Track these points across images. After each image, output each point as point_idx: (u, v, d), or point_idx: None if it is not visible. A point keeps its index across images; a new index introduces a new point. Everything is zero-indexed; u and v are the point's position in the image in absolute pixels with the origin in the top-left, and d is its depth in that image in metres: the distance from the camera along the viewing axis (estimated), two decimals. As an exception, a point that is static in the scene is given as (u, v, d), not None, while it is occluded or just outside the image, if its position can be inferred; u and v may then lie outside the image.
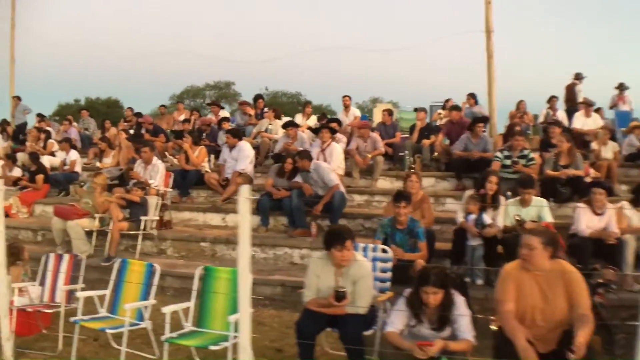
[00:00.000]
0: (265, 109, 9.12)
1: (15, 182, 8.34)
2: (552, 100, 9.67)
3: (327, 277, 3.51)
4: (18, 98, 12.18)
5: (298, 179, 6.40)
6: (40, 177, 8.28)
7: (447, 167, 7.92)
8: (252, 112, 9.03)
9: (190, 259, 6.27)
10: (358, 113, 9.02)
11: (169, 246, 6.55)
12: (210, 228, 6.95)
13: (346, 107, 9.11)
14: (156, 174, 6.96)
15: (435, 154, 8.12)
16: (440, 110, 9.85)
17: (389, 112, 8.40)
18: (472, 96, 9.61)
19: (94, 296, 4.18)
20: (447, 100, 9.88)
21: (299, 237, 6.15)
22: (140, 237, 6.27)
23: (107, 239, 6.30)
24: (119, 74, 45.86)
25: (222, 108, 9.75)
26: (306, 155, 6.27)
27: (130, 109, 11.39)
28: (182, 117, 10.60)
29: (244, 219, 2.75)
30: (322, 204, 6.08)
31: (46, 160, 9.25)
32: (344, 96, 9.09)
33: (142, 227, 6.27)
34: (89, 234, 6.37)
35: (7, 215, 7.98)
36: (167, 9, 59.04)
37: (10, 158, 8.59)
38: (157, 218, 6.54)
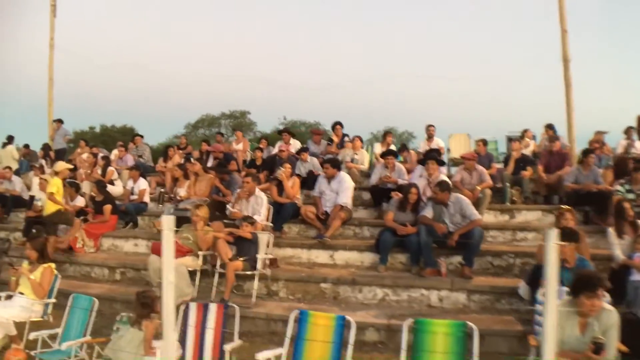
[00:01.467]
0: (346, 138, 8.65)
1: (79, 212, 7.58)
2: (628, 130, 9.49)
3: (571, 327, 3.21)
4: (60, 121, 11.46)
5: (427, 212, 5.87)
6: (108, 208, 7.53)
7: (545, 199, 7.59)
8: (336, 139, 8.53)
9: (309, 302, 5.61)
10: (442, 143, 8.63)
11: (281, 287, 5.86)
12: (319, 266, 6.32)
13: (430, 137, 8.71)
14: (260, 206, 6.33)
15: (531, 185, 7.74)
16: (530, 139, 9.52)
17: (484, 142, 8.03)
18: (550, 127, 9.36)
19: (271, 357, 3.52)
20: (525, 131, 9.61)
21: (431, 277, 5.59)
22: (256, 278, 5.58)
23: (213, 280, 5.64)
24: (132, 102, 44.72)
25: (294, 136, 9.22)
26: (446, 187, 5.77)
27: (185, 136, 10.76)
28: (240, 146, 10.05)
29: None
30: (458, 233, 5.56)
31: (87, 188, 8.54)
32: (429, 125, 8.71)
33: (258, 266, 5.61)
34: (190, 274, 5.69)
35: (71, 249, 7.35)
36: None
37: (74, 186, 7.83)
38: (272, 256, 5.88)
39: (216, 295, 5.63)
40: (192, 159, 8.57)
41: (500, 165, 8.23)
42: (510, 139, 8.09)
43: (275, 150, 9.12)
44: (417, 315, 4.91)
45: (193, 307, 4.11)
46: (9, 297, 4.95)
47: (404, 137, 22.35)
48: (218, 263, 5.72)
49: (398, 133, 23.06)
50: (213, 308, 4.07)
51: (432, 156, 6.97)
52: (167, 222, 2.44)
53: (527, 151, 9.03)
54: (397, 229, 5.97)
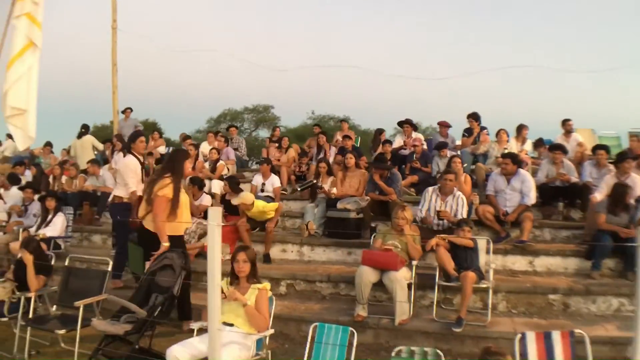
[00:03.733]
0: (485, 131, 8.00)
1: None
2: None
3: None
4: (130, 109, 10.22)
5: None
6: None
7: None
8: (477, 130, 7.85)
9: (532, 316, 5.00)
10: (580, 138, 8.13)
11: (500, 300, 5.19)
12: (521, 274, 5.69)
13: (568, 132, 8.20)
14: (461, 207, 5.62)
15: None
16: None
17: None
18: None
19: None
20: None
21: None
22: (490, 291, 4.88)
23: (434, 295, 4.90)
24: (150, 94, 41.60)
25: (416, 128, 8.49)
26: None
27: (278, 127, 9.80)
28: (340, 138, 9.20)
29: None
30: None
31: (217, 187, 7.57)
32: (566, 120, 8.19)
33: (491, 277, 4.91)
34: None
35: (200, 255, 6.35)
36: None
37: (196, 183, 6.82)
38: (494, 266, 5.19)
39: (437, 312, 4.91)
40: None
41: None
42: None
43: (395, 144, 8.38)
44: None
45: (531, 337, 3.37)
46: (200, 331, 3.97)
47: (428, 132, 21.88)
48: (437, 274, 4.98)
49: (422, 128, 22.55)
50: (557, 337, 3.36)
51: (624, 156, 6.36)
52: None
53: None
54: (619, 231, 5.41)
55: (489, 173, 7.05)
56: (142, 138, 5.62)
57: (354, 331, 3.71)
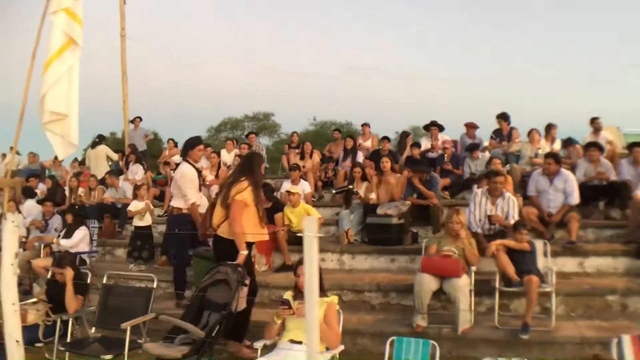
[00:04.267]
0: (514, 131, 7.89)
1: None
2: None
3: None
4: (139, 119, 9.94)
5: None
6: (280, 216, 6.35)
7: None
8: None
9: (592, 318, 4.85)
10: (609, 136, 8.06)
11: (560, 303, 5.03)
12: (573, 275, 5.55)
13: (596, 130, 8.13)
14: (512, 209, 5.46)
15: None
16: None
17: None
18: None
19: None
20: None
21: None
22: (553, 295, 4.71)
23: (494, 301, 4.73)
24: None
25: (442, 129, 8.35)
26: None
27: (296, 133, 9.57)
28: (368, 143, 9.05)
29: None
30: None
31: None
32: (595, 118, 8.12)
33: (552, 280, 4.74)
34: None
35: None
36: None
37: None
38: (556, 268, 5.03)
39: (498, 319, 4.73)
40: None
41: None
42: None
43: (422, 147, 8.23)
44: None
45: (627, 340, 3.21)
46: (266, 347, 3.71)
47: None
48: (497, 279, 4.80)
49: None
50: None
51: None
52: None
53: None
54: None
55: (524, 174, 6.95)
56: (201, 146, 5.30)
57: (436, 344, 3.51)
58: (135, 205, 6.73)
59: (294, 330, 3.70)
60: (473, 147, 7.52)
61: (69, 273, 4.46)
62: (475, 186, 6.26)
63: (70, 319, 4.43)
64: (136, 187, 6.91)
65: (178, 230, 5.15)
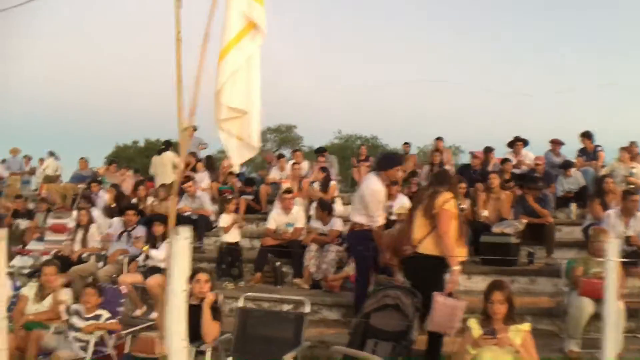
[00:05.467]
0: (599, 148, 7.72)
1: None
2: None
3: None
4: (193, 128, 9.54)
5: None
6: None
7: None
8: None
9: None
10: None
11: None
12: None
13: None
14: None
15: None
16: None
17: None
18: None
19: None
20: None
21: None
22: None
23: None
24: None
25: (526, 144, 8.15)
26: None
27: (364, 146, 9.31)
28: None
29: None
30: None
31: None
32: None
33: None
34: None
35: (342, 287, 5.72)
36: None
37: (326, 207, 6.23)
38: None
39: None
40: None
41: None
42: None
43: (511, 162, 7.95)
44: None
45: None
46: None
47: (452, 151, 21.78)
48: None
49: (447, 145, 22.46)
50: None
51: None
52: None
53: None
54: None
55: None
56: (403, 167, 4.83)
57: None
58: (224, 220, 6.32)
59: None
60: (567, 165, 7.32)
61: (209, 296, 4.01)
62: (609, 211, 5.93)
63: (209, 349, 3.95)
64: (225, 201, 6.51)
65: (360, 248, 4.74)
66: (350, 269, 5.82)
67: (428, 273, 3.91)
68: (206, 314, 3.95)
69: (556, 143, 8.11)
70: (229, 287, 5.98)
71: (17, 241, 7.83)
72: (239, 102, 3.13)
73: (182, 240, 2.33)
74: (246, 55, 3.20)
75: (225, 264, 6.18)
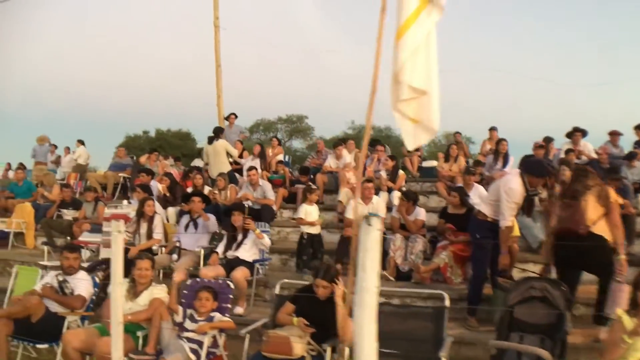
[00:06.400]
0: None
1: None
2: None
3: None
4: (234, 115, 9.25)
5: None
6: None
7: None
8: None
9: None
10: None
11: None
12: None
13: None
14: None
15: None
16: None
17: None
18: None
19: None
20: None
21: None
22: None
23: None
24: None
25: (585, 135, 8.12)
26: None
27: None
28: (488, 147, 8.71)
29: None
30: None
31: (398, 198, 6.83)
32: None
33: None
34: None
35: (445, 280, 5.60)
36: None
37: (411, 197, 6.09)
38: None
39: None
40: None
41: None
42: None
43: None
44: None
45: None
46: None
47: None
48: None
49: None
50: None
51: None
52: None
53: None
54: None
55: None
56: (551, 180, 4.53)
57: None
58: (306, 211, 6.12)
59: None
60: (632, 156, 7.35)
61: (340, 287, 3.76)
62: None
63: (347, 349, 3.60)
64: (308, 191, 6.29)
65: (479, 236, 4.61)
66: (439, 260, 5.72)
67: (602, 252, 4.05)
68: (342, 308, 3.68)
69: (615, 134, 8.15)
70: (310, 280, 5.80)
71: (65, 233, 7.45)
72: (419, 82, 2.91)
73: (374, 231, 2.16)
74: (425, 32, 2.98)
75: (307, 255, 6.00)
